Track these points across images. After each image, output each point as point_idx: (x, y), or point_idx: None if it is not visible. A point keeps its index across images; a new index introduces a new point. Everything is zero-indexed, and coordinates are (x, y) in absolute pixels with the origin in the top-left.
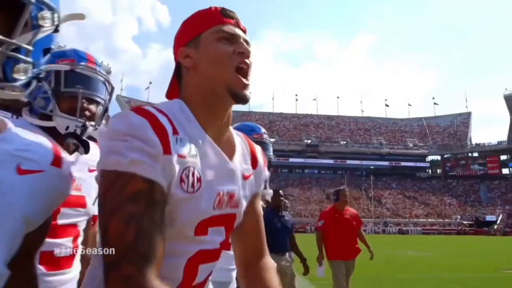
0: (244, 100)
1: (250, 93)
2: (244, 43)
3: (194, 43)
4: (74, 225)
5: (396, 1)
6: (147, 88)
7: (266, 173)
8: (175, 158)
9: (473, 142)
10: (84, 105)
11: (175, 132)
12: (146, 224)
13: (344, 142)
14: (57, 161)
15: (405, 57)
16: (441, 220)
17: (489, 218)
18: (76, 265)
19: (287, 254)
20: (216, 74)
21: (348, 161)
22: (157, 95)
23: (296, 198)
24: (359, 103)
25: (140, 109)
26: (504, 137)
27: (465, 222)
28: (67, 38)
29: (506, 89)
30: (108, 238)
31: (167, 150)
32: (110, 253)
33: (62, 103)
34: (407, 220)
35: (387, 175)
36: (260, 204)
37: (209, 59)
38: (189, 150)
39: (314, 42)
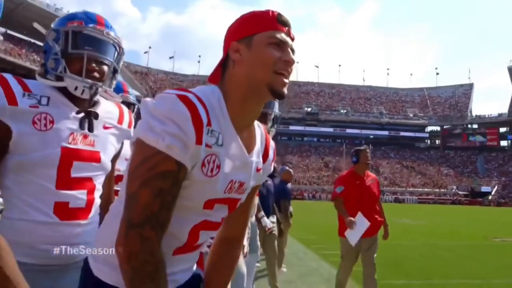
0: (282, 96)
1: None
2: (291, 53)
3: (246, 41)
4: (89, 179)
5: None
6: (146, 52)
7: (271, 169)
8: (203, 147)
9: (474, 114)
10: (92, 66)
11: (209, 123)
12: (169, 199)
13: (344, 111)
14: None
15: (410, 28)
16: (437, 190)
17: (484, 189)
18: (93, 217)
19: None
20: (260, 74)
21: (348, 130)
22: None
23: (295, 165)
24: (361, 71)
25: (185, 98)
26: (505, 110)
27: (460, 193)
28: (66, 1)
29: (510, 60)
30: (137, 203)
31: (199, 141)
32: (136, 214)
33: (72, 64)
34: (403, 189)
35: (386, 144)
36: (255, 196)
37: (257, 60)
38: (216, 141)
39: (317, 9)
